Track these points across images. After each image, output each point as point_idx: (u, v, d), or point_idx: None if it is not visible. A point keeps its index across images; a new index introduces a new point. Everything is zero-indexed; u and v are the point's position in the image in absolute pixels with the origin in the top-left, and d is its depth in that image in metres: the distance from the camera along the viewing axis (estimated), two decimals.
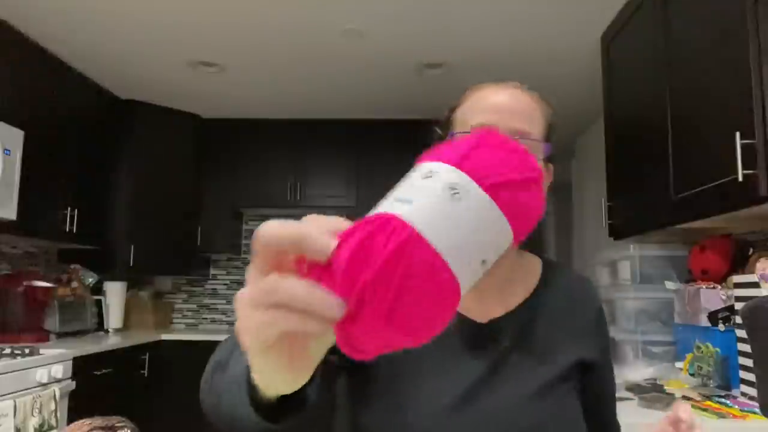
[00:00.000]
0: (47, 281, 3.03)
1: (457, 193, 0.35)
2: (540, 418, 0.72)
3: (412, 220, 0.33)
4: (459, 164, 0.36)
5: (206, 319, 4.37)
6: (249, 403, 0.44)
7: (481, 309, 0.77)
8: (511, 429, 0.71)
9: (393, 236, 0.32)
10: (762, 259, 1.62)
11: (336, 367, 0.73)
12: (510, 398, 0.72)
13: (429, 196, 0.34)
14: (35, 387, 2.34)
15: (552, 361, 0.76)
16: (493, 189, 0.36)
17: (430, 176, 0.35)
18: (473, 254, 0.35)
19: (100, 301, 3.63)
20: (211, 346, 3.31)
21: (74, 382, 2.60)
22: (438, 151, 0.38)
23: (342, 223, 0.35)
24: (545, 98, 0.84)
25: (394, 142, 3.90)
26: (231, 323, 4.35)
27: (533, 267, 0.86)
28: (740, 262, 1.89)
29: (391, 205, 0.34)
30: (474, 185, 0.35)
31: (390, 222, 0.33)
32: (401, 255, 0.32)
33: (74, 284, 3.35)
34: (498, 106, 0.79)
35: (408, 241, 0.32)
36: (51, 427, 2.33)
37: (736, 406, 1.46)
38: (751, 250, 1.87)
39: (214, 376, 0.52)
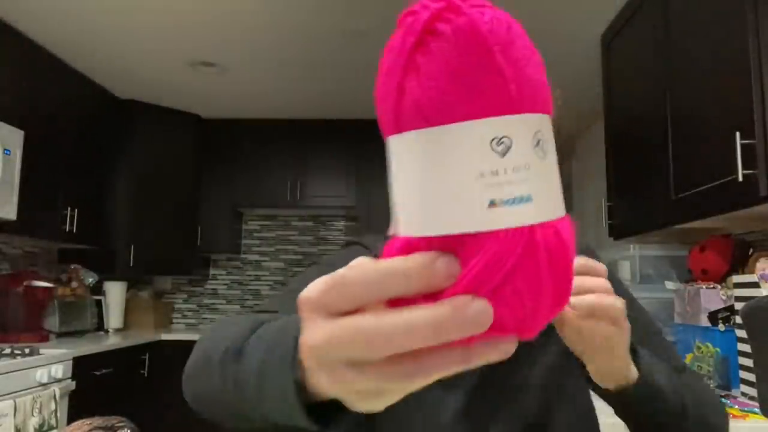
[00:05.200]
0: (47, 281, 3.03)
1: (542, 142, 0.26)
2: (547, 410, 0.72)
3: (539, 220, 0.25)
4: (517, 106, 0.25)
5: (206, 319, 4.37)
6: (300, 409, 0.37)
7: None
8: (518, 424, 0.71)
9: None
10: (762, 259, 1.62)
11: None
12: (512, 394, 0.72)
13: (535, 168, 0.25)
14: (35, 387, 2.34)
15: (547, 352, 0.74)
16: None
17: (508, 144, 0.25)
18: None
19: (100, 301, 3.63)
20: None
21: (74, 382, 2.60)
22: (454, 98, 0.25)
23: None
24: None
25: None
26: None
27: None
28: (740, 262, 1.89)
29: (508, 211, 0.25)
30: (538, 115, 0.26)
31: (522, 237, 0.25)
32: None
33: (74, 284, 3.35)
34: None
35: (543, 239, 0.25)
36: (51, 427, 2.33)
37: (736, 406, 1.46)
38: (751, 250, 1.87)
39: (226, 365, 0.47)
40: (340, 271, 0.26)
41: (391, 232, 0.27)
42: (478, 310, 0.24)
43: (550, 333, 0.73)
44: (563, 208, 0.27)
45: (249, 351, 0.44)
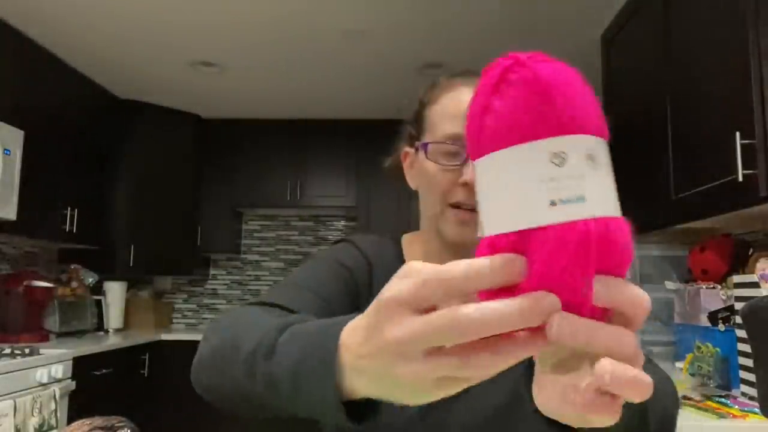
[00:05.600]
0: (47, 281, 3.03)
1: (594, 157, 0.33)
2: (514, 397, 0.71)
3: (596, 213, 0.32)
4: (563, 128, 0.33)
5: (206, 319, 4.37)
6: (342, 409, 0.39)
7: None
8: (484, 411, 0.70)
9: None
10: (762, 259, 1.62)
11: None
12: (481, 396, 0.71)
13: (591, 178, 0.32)
14: (35, 387, 2.34)
15: (496, 391, 0.72)
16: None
17: (564, 158, 0.32)
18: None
19: (100, 301, 3.63)
20: None
21: (74, 382, 2.59)
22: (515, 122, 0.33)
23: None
24: None
25: (394, 142, 3.90)
26: None
27: None
28: (740, 262, 1.89)
29: (564, 210, 0.31)
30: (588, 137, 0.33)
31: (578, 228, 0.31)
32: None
33: (74, 284, 3.35)
34: None
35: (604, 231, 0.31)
36: (51, 427, 2.33)
37: (736, 406, 1.46)
38: (751, 250, 1.87)
39: (256, 363, 0.47)
40: (431, 270, 0.31)
41: (478, 235, 0.34)
42: (551, 301, 0.30)
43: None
44: (618, 210, 0.33)
45: (282, 351, 0.45)
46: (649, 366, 0.68)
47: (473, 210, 0.73)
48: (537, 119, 0.32)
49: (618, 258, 0.32)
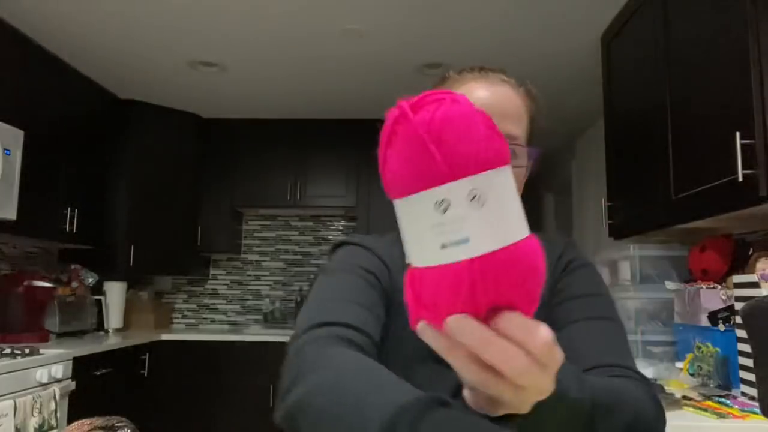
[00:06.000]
0: (47, 281, 3.03)
1: (479, 195, 0.36)
2: None
3: (480, 251, 0.36)
4: (452, 174, 0.36)
5: (206, 319, 4.37)
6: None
7: None
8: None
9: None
10: (762, 259, 1.62)
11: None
12: None
13: (470, 219, 0.36)
14: (35, 387, 2.34)
15: None
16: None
17: (446, 204, 0.36)
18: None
19: (100, 301, 3.63)
20: (211, 346, 3.29)
21: (74, 382, 2.60)
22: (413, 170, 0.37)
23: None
24: (529, 87, 0.81)
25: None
26: (231, 323, 4.36)
27: None
28: (740, 262, 1.89)
29: (449, 253, 0.36)
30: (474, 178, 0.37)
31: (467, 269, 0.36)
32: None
33: (74, 284, 3.35)
34: (485, 106, 0.70)
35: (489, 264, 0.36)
36: (51, 427, 2.33)
37: (736, 406, 1.46)
38: (751, 250, 1.87)
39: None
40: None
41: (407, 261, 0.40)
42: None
43: None
44: (515, 233, 0.37)
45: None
46: (631, 382, 0.67)
47: None
48: (418, 172, 0.36)
49: (511, 283, 0.36)
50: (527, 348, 0.36)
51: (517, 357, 0.36)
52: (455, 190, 0.36)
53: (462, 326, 0.36)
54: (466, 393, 0.42)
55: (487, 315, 0.37)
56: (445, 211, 0.36)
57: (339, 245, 0.85)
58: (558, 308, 0.77)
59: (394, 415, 0.45)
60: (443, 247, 0.36)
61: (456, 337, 0.37)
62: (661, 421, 0.65)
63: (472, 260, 0.35)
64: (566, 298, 0.78)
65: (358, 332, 0.65)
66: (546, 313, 0.76)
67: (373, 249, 0.82)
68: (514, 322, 0.36)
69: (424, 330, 0.39)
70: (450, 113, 0.37)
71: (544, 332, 0.37)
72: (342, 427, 0.49)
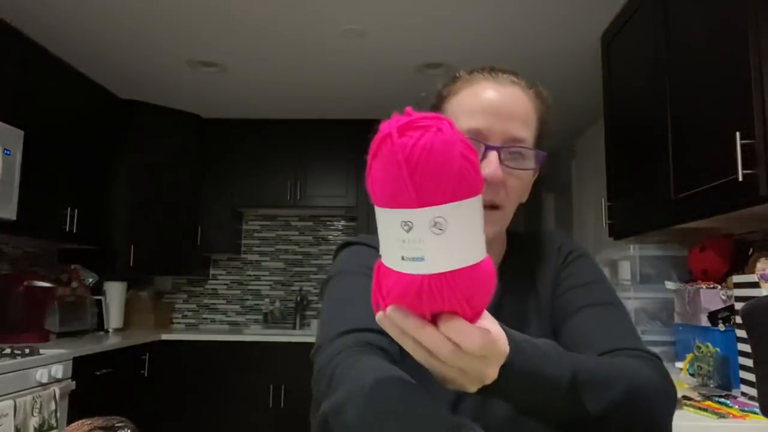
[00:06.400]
0: (47, 281, 3.03)
1: (441, 223, 0.41)
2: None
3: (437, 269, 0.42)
4: (420, 201, 0.41)
5: (206, 319, 4.37)
6: None
7: None
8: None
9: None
10: (762, 259, 1.62)
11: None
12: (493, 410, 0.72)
13: (434, 241, 0.41)
14: (35, 387, 2.34)
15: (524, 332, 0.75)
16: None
17: (410, 226, 0.41)
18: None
19: (100, 301, 3.63)
20: (212, 346, 3.28)
21: (74, 382, 2.60)
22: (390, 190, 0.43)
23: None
24: (540, 89, 0.80)
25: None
26: (231, 323, 4.36)
27: (500, 247, 0.84)
28: (740, 262, 1.89)
29: (410, 265, 0.42)
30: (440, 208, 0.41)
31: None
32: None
33: (74, 284, 3.35)
34: (494, 108, 0.73)
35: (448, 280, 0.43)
36: (51, 427, 2.33)
37: (736, 406, 1.46)
38: (751, 250, 1.87)
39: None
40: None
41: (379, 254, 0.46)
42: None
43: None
44: (467, 258, 0.42)
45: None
46: (635, 361, 0.68)
47: (492, 207, 0.73)
48: (392, 191, 0.41)
49: (457, 298, 0.43)
50: (462, 347, 0.44)
51: (444, 345, 0.44)
52: (419, 215, 0.41)
53: (399, 315, 0.44)
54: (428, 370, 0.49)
55: (432, 317, 0.44)
56: (408, 230, 0.41)
57: (344, 246, 0.85)
58: (562, 298, 0.80)
59: None
60: (403, 259, 0.42)
61: (394, 322, 0.45)
62: (665, 393, 0.67)
63: (423, 276, 0.42)
64: (569, 287, 0.80)
65: (382, 335, 0.65)
66: (552, 302, 0.80)
67: (377, 247, 0.81)
68: (450, 325, 0.44)
69: (381, 318, 0.46)
70: (430, 144, 0.41)
71: (476, 336, 0.44)
72: None
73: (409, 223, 0.41)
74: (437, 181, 0.40)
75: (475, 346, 0.44)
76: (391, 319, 0.45)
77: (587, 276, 0.81)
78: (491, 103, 0.74)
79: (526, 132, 0.75)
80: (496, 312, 0.72)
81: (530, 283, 0.82)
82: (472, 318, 0.45)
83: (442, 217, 0.41)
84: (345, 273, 0.78)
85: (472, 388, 0.50)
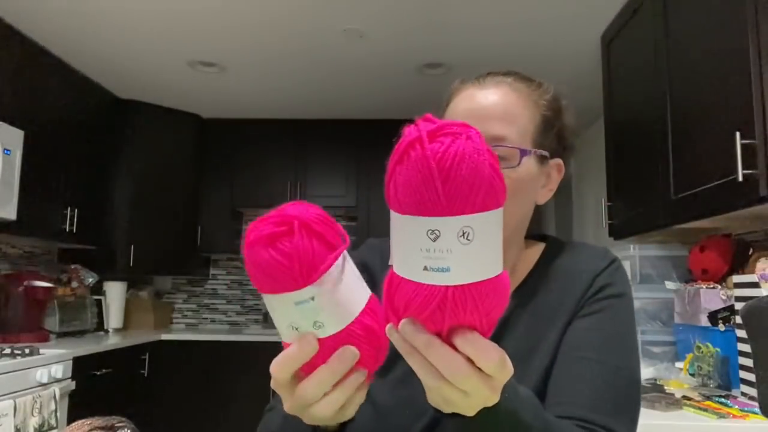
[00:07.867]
0: (47, 281, 3.03)
1: (468, 233, 0.40)
2: None
3: (460, 281, 0.40)
4: (460, 210, 0.39)
5: (206, 319, 4.37)
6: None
7: None
8: None
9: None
10: (762, 259, 1.62)
11: None
12: None
13: (460, 252, 0.40)
14: (35, 387, 2.34)
15: (528, 361, 0.71)
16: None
17: (438, 234, 0.40)
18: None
19: (100, 301, 3.63)
20: (211, 346, 3.28)
21: (74, 382, 2.59)
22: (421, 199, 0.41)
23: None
24: (538, 82, 0.78)
25: (394, 143, 3.90)
26: (231, 323, 4.36)
27: (533, 255, 0.80)
28: (740, 262, 1.89)
29: (432, 276, 0.40)
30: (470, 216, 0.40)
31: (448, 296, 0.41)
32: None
33: (74, 284, 3.35)
34: (469, 110, 0.73)
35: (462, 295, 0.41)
36: (51, 427, 2.33)
37: (736, 406, 1.46)
38: (751, 250, 1.87)
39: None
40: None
41: (390, 262, 0.44)
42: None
43: (522, 351, 0.71)
44: (491, 270, 0.41)
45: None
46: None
47: None
48: (420, 199, 0.40)
49: (478, 312, 0.41)
50: (478, 363, 0.42)
51: (457, 364, 0.42)
52: (449, 224, 0.39)
53: (411, 329, 0.42)
54: (426, 391, 0.47)
55: (448, 332, 0.42)
56: (435, 239, 0.39)
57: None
58: (572, 332, 0.72)
59: None
60: (425, 269, 0.40)
61: (405, 337, 0.43)
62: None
63: (447, 287, 0.40)
64: (585, 328, 0.72)
65: None
66: (563, 326, 0.72)
67: (378, 248, 0.84)
68: (468, 339, 0.42)
69: (391, 332, 0.44)
70: (462, 151, 0.39)
71: (493, 352, 0.43)
72: None
73: (436, 232, 0.39)
74: (468, 190, 0.39)
75: (494, 363, 0.43)
76: (402, 333, 0.43)
77: (611, 325, 0.72)
78: (468, 107, 0.74)
79: (504, 130, 0.71)
80: (503, 328, 0.72)
81: (550, 307, 0.74)
82: (485, 334, 0.43)
83: (470, 227, 0.39)
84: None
85: (471, 412, 0.48)
